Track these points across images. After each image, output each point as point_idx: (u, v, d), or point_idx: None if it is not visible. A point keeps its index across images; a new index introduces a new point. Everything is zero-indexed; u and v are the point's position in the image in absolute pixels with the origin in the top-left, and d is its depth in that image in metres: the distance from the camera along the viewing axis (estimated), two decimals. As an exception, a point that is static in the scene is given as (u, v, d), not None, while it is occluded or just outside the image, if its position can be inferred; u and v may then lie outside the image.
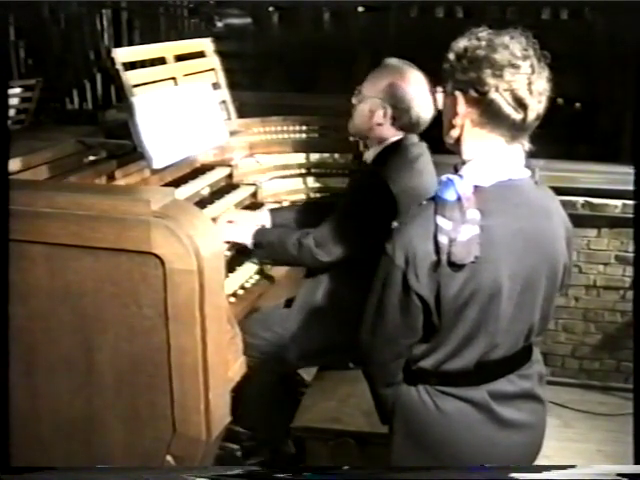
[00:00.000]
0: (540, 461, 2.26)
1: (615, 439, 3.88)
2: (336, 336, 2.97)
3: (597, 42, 4.80)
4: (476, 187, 1.89)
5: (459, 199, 1.86)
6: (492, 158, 1.94)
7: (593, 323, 4.56)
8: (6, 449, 2.21)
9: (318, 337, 3.04)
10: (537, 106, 1.89)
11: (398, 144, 3.04)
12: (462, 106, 1.93)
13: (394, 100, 2.96)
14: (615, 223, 4.32)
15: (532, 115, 1.90)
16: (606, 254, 4.43)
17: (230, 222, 3.26)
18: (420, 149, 3.08)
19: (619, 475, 1.99)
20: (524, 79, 1.86)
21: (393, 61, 3.06)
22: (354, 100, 3.09)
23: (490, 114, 1.90)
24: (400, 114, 2.97)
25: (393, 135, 3.04)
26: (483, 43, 1.88)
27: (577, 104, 4.85)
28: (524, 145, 1.97)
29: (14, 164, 2.55)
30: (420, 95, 2.97)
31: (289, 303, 3.18)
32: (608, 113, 4.86)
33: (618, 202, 4.25)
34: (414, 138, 3.08)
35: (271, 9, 5.39)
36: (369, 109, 3.01)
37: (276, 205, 3.74)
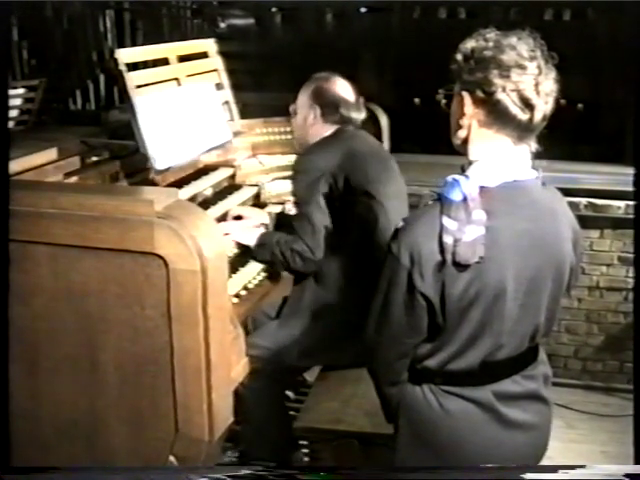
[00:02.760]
0: (543, 462, 2.26)
1: (618, 440, 3.87)
2: (333, 333, 3.01)
3: (600, 43, 4.80)
4: (482, 188, 1.90)
5: (465, 199, 1.87)
6: (499, 159, 1.94)
7: (596, 324, 4.56)
8: (6, 449, 2.21)
9: (316, 335, 3.07)
10: (544, 107, 1.90)
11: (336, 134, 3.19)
12: (469, 107, 1.94)
13: (320, 99, 3.15)
14: (618, 224, 4.32)
15: (539, 116, 1.90)
16: (609, 255, 4.43)
17: (239, 217, 3.40)
18: (354, 132, 3.22)
19: (625, 475, 1.99)
20: (531, 80, 1.87)
21: (319, 74, 3.25)
22: (292, 120, 3.31)
23: (497, 114, 1.91)
24: (329, 111, 3.15)
25: (328, 130, 3.18)
26: (490, 44, 1.89)
27: (580, 105, 4.84)
28: (531, 146, 1.98)
29: (17, 164, 2.55)
30: (346, 95, 3.18)
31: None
32: (611, 114, 4.85)
33: (621, 203, 4.26)
34: (356, 131, 3.23)
35: (274, 10, 5.38)
36: (302, 117, 3.21)
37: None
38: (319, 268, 3.06)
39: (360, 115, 3.21)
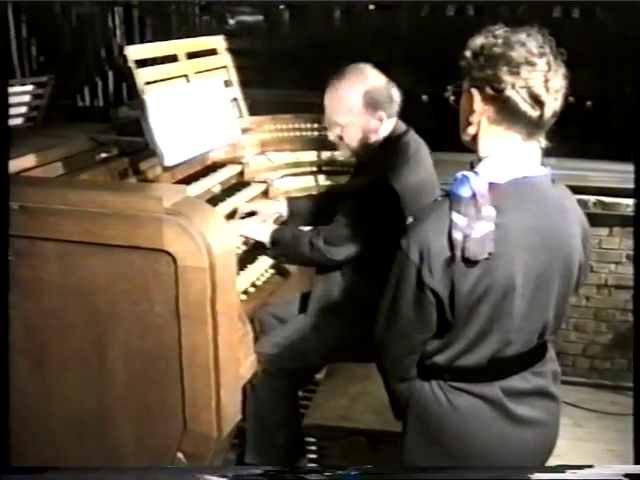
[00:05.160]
0: (550, 461, 2.25)
1: (625, 439, 3.85)
2: (352, 333, 2.99)
3: (609, 40, 4.79)
4: (491, 184, 1.89)
5: (474, 196, 1.86)
6: (508, 155, 1.94)
7: (604, 322, 4.55)
8: (6, 449, 2.21)
9: (334, 336, 3.04)
10: (553, 103, 1.90)
11: (397, 139, 3.08)
12: (479, 103, 1.94)
13: (377, 103, 3.00)
14: (627, 222, 4.31)
15: (548, 112, 1.90)
16: (617, 253, 4.42)
17: (253, 212, 3.38)
18: (418, 144, 3.12)
19: (626, 475, 1.99)
20: (540, 76, 1.87)
21: (344, 74, 3.05)
22: (332, 137, 3.13)
23: (507, 111, 1.90)
24: (388, 108, 3.02)
25: (386, 126, 3.06)
26: (500, 41, 1.89)
27: (588, 102, 4.83)
28: (540, 142, 1.97)
29: (26, 161, 2.56)
30: (386, 82, 3.04)
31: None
32: (620, 111, 4.84)
33: (630, 201, 4.24)
34: (412, 134, 3.12)
35: (282, 7, 5.39)
36: (359, 128, 3.04)
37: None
38: (348, 263, 3.04)
39: (399, 95, 3.08)
